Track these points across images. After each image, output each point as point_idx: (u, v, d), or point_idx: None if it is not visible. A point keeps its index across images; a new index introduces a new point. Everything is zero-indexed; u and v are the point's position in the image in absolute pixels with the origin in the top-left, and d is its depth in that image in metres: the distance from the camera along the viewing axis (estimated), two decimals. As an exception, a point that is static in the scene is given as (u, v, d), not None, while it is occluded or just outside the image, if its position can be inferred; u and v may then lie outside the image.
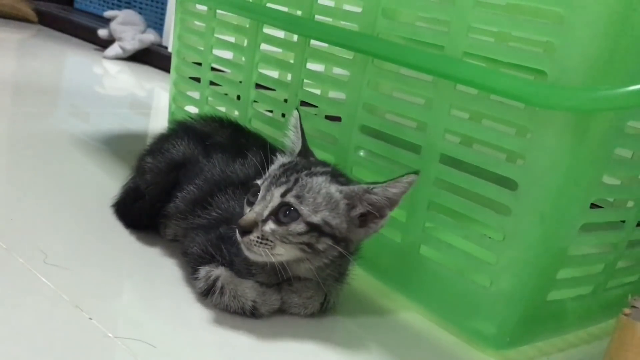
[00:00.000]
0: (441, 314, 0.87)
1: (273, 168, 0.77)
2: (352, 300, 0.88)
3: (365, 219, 0.76)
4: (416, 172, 0.73)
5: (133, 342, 0.67)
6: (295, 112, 0.83)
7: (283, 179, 0.74)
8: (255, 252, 0.73)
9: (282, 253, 0.73)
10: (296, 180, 0.74)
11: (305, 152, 0.81)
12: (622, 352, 0.73)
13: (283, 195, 0.73)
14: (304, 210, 0.72)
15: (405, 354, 0.78)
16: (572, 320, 0.91)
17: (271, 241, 0.72)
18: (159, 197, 0.91)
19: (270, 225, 0.72)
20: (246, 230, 0.72)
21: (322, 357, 0.74)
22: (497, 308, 0.79)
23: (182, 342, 0.70)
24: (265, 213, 0.72)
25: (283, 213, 0.72)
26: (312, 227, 0.72)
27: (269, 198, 0.73)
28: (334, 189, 0.74)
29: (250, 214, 0.73)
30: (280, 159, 0.80)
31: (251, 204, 0.75)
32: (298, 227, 0.72)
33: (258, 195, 0.74)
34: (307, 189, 0.73)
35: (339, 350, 0.76)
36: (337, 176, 0.77)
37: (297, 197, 0.72)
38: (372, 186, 0.75)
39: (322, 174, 0.76)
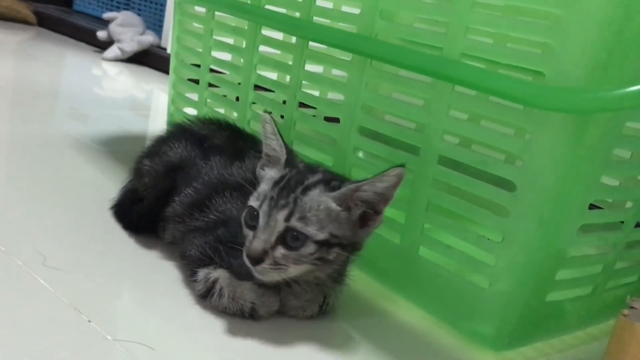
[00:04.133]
0: (440, 315, 0.87)
1: (265, 188, 0.75)
2: (351, 302, 0.88)
3: (364, 217, 0.76)
4: (402, 165, 0.71)
5: (132, 344, 0.67)
6: (267, 116, 0.77)
7: (282, 202, 0.72)
8: (269, 276, 0.73)
9: (297, 272, 0.74)
10: (295, 201, 0.72)
11: (290, 158, 0.78)
12: (621, 352, 0.73)
13: (287, 219, 0.71)
14: (311, 231, 0.71)
15: (404, 356, 0.78)
16: (571, 321, 0.91)
17: (284, 264, 0.72)
18: (157, 200, 0.91)
19: (280, 251, 0.71)
20: (258, 260, 0.71)
21: (321, 359, 0.74)
22: (496, 309, 0.80)
23: (181, 345, 0.70)
24: (273, 239, 0.71)
25: (291, 238, 0.71)
26: (322, 244, 0.72)
27: (273, 224, 0.71)
28: (330, 201, 0.73)
29: (257, 242, 0.71)
30: (270, 174, 0.77)
31: (251, 227, 0.73)
32: (309, 249, 0.72)
33: (256, 218, 0.73)
34: (308, 207, 0.72)
35: (338, 353, 0.76)
36: (329, 181, 0.75)
37: (301, 219, 0.71)
38: (360, 184, 0.73)
39: (315, 185, 0.74)
